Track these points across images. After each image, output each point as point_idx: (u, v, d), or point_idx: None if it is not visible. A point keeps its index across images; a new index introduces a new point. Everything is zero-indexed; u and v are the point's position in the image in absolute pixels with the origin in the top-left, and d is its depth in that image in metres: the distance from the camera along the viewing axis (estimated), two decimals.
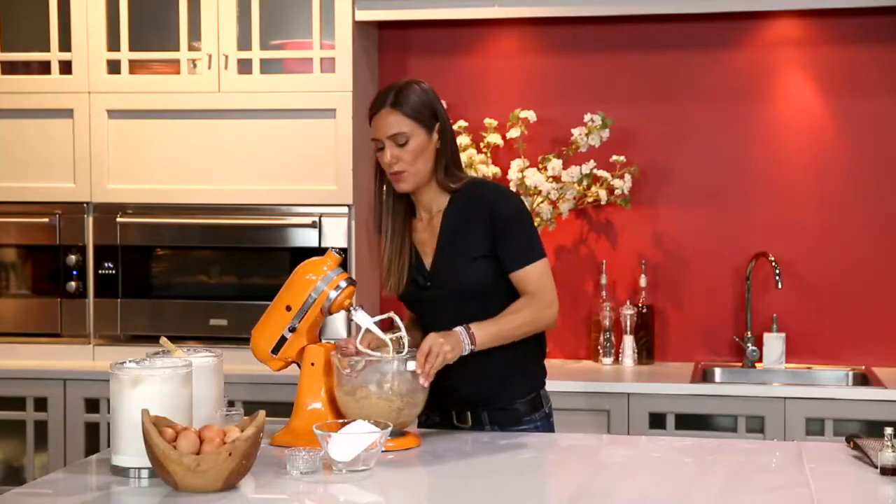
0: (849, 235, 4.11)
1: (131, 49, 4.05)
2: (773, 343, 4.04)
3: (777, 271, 3.98)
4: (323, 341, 2.68)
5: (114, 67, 4.06)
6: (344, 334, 3.93)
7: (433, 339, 2.52)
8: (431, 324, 2.68)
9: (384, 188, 2.77)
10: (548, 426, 2.82)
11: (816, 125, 4.11)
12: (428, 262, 2.75)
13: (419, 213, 2.78)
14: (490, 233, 2.68)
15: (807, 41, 4.11)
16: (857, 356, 4.07)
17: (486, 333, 2.58)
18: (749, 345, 4.06)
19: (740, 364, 4.09)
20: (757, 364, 4.06)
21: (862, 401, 3.64)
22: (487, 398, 2.70)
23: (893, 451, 2.28)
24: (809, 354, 4.11)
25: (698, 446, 2.67)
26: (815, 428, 3.64)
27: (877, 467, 2.31)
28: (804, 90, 4.12)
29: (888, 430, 2.30)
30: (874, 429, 3.42)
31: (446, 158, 2.71)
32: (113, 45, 4.05)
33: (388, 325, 2.75)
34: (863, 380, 3.94)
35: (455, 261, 2.70)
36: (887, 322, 4.08)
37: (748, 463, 2.46)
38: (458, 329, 2.56)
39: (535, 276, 2.67)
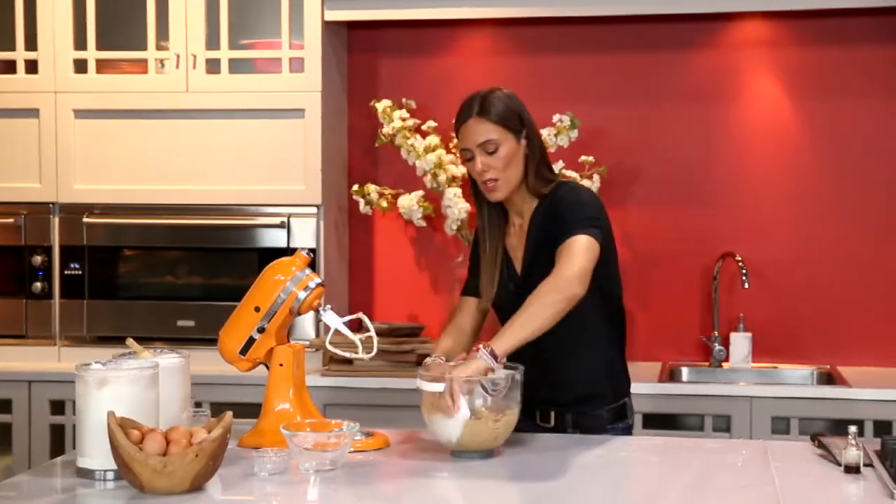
0: (815, 236, 4.14)
1: (98, 48, 4.03)
2: (740, 342, 4.07)
3: (744, 271, 4.01)
4: (291, 342, 2.68)
5: (80, 67, 4.04)
6: (312, 335, 3.92)
7: (449, 376, 2.43)
8: None
9: (480, 200, 2.77)
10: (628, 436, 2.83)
11: (784, 126, 4.15)
12: (519, 267, 2.76)
13: (511, 219, 2.79)
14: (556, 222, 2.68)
15: (774, 42, 4.14)
16: (822, 355, 4.11)
17: (504, 340, 2.48)
18: (716, 344, 4.08)
19: (707, 363, 4.12)
20: (724, 363, 4.08)
21: (827, 399, 3.66)
22: (574, 403, 2.70)
23: (857, 450, 2.30)
24: (775, 354, 4.14)
25: (666, 445, 2.68)
26: (780, 427, 3.67)
27: (841, 465, 2.33)
28: (772, 91, 4.15)
29: (852, 429, 2.32)
30: (839, 427, 3.46)
31: (535, 163, 2.72)
32: (80, 44, 4.03)
33: (357, 326, 2.74)
34: (828, 379, 3.97)
35: (544, 265, 2.65)
36: (852, 321, 4.11)
37: (715, 462, 2.48)
38: (478, 352, 2.47)
39: (563, 248, 2.59)
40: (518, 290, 2.71)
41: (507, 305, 2.73)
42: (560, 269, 2.56)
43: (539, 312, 2.52)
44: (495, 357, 2.45)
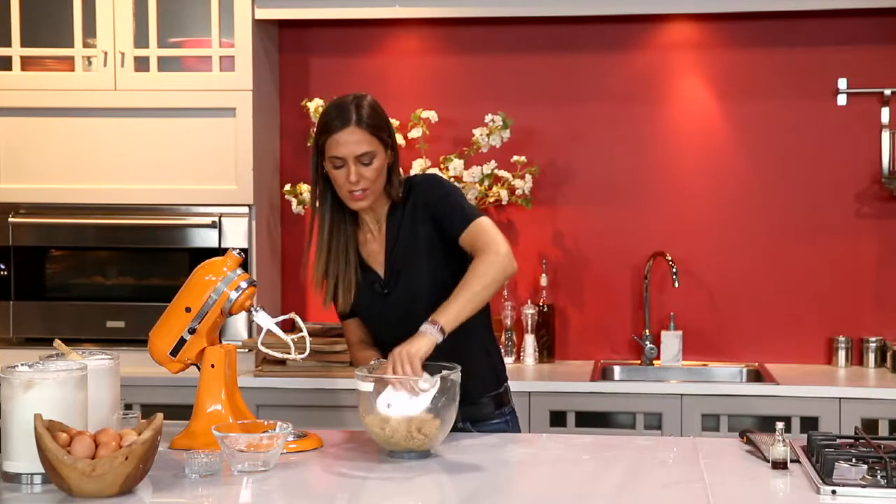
0: (743, 235, 4.20)
1: (23, 45, 3.96)
2: (671, 341, 4.11)
3: (674, 270, 4.05)
4: (223, 343, 2.65)
5: (5, 64, 3.97)
6: (245, 335, 3.90)
7: (395, 352, 2.43)
8: (398, 330, 2.62)
9: (327, 204, 2.70)
10: (515, 421, 2.83)
11: (712, 126, 4.20)
12: (382, 270, 2.72)
13: (367, 227, 2.74)
14: (429, 219, 2.66)
15: (702, 44, 4.19)
16: (750, 353, 4.17)
17: (448, 313, 2.46)
18: (647, 343, 4.12)
19: (639, 362, 4.16)
20: (655, 362, 4.13)
21: (755, 396, 3.72)
22: (462, 394, 2.68)
23: (784, 446, 2.34)
24: (705, 352, 4.20)
25: (597, 443, 2.70)
26: (710, 424, 3.72)
27: (768, 461, 2.36)
28: (700, 92, 4.20)
29: (779, 425, 2.36)
30: (767, 424, 3.51)
31: (397, 171, 2.69)
32: (4, 40, 3.95)
33: (289, 326, 2.73)
34: (756, 376, 4.03)
35: (408, 260, 2.67)
36: (780, 319, 4.18)
37: (645, 459, 2.50)
38: (421, 328, 2.46)
39: (476, 232, 2.60)
40: (384, 289, 2.71)
41: (374, 307, 2.73)
42: (491, 248, 2.56)
43: (485, 288, 2.51)
44: (443, 332, 2.45)
